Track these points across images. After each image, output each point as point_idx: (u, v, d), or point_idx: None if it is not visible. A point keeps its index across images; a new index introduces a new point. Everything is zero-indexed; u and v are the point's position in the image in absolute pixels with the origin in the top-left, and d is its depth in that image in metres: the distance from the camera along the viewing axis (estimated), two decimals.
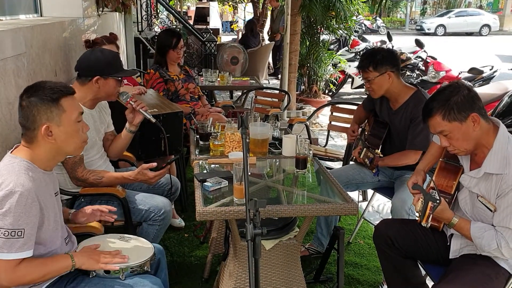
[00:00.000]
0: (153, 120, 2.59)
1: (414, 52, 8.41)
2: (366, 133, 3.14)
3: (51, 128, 1.71)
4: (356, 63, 8.86)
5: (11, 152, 1.75)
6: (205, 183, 2.28)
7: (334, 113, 4.18)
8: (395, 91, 2.80)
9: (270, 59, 10.55)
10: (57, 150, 1.75)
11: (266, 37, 12.69)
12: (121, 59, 4.07)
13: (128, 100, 2.55)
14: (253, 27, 10.85)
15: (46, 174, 1.77)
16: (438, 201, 1.89)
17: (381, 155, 2.79)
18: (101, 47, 3.07)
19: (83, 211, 2.10)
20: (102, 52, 2.51)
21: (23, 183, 1.61)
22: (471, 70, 7.19)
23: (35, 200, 1.63)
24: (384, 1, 5.94)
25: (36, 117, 1.70)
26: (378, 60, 2.72)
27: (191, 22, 13.97)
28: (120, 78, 2.48)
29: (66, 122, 1.73)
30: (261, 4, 12.92)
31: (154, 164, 2.41)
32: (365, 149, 2.89)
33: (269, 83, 9.82)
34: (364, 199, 3.46)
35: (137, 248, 1.96)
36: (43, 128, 1.70)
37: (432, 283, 2.22)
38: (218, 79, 5.31)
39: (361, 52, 9.05)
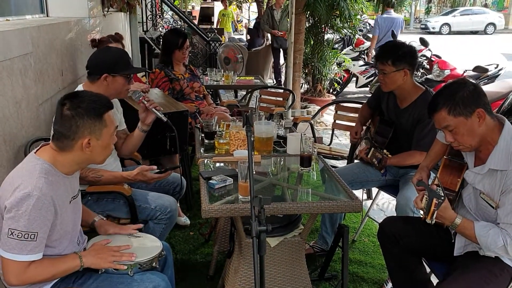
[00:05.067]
0: (165, 119, 2.60)
1: (418, 51, 8.37)
2: (371, 132, 3.14)
3: (91, 141, 1.73)
4: (360, 62, 8.86)
5: (35, 152, 1.77)
6: (210, 181, 2.29)
7: (339, 112, 4.19)
8: (406, 89, 2.80)
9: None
10: (87, 160, 1.77)
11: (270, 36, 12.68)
12: None
13: (140, 99, 2.57)
14: (259, 27, 10.87)
15: (67, 177, 1.79)
16: (442, 198, 1.89)
17: (390, 156, 2.78)
18: (109, 45, 3.10)
19: (104, 227, 2.07)
20: (110, 50, 2.57)
21: (41, 187, 1.63)
22: (476, 68, 7.16)
23: (51, 205, 1.65)
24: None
25: (79, 128, 1.71)
26: (399, 55, 2.72)
27: (196, 22, 14.08)
28: (128, 76, 2.50)
29: (105, 136, 1.76)
30: (265, 4, 12.91)
31: (154, 167, 2.44)
32: (372, 148, 2.89)
33: (273, 82, 9.82)
34: (369, 197, 3.47)
35: (146, 245, 1.98)
36: (85, 141, 1.71)
37: (437, 280, 2.23)
38: (223, 78, 5.34)
39: (365, 51, 9.06)
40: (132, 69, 2.56)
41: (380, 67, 2.78)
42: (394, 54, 2.73)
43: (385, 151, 2.78)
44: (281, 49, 9.09)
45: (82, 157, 1.76)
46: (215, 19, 16.79)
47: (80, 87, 2.51)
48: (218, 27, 14.57)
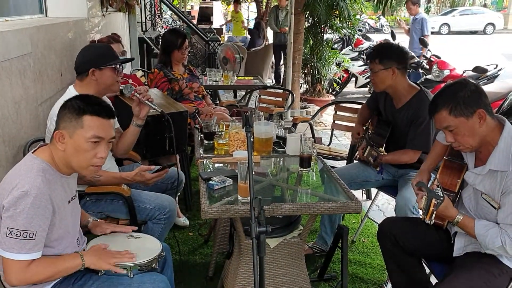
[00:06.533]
0: (159, 110, 2.60)
1: None
2: (370, 132, 3.15)
3: (64, 136, 1.73)
4: (360, 62, 8.88)
5: (33, 152, 1.77)
6: (210, 182, 2.29)
7: (338, 112, 4.19)
8: (399, 89, 2.81)
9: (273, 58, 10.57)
10: (65, 160, 1.75)
11: (270, 36, 12.69)
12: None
13: (132, 92, 2.56)
14: (259, 28, 10.90)
15: (64, 178, 1.79)
16: (441, 198, 1.90)
17: (385, 153, 2.81)
18: (93, 43, 3.12)
19: (101, 225, 2.09)
20: (93, 46, 2.60)
21: (38, 185, 1.63)
22: (476, 68, 7.15)
23: (49, 203, 1.65)
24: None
25: (59, 119, 1.75)
26: (386, 54, 2.77)
27: (195, 21, 14.02)
28: (115, 66, 2.51)
29: (78, 137, 1.72)
30: (264, 3, 12.90)
31: (153, 167, 2.44)
32: (369, 147, 2.91)
33: (273, 82, 9.82)
34: (368, 197, 3.46)
35: (145, 246, 1.98)
36: (56, 133, 1.73)
37: (436, 280, 2.22)
38: (222, 78, 5.33)
39: (365, 51, 9.06)
40: (118, 60, 2.57)
41: (370, 66, 2.84)
42: (382, 53, 2.79)
43: (380, 149, 2.82)
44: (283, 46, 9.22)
45: (61, 154, 1.74)
46: (214, 19, 16.71)
47: (71, 89, 2.50)
48: (232, 33, 13.73)
